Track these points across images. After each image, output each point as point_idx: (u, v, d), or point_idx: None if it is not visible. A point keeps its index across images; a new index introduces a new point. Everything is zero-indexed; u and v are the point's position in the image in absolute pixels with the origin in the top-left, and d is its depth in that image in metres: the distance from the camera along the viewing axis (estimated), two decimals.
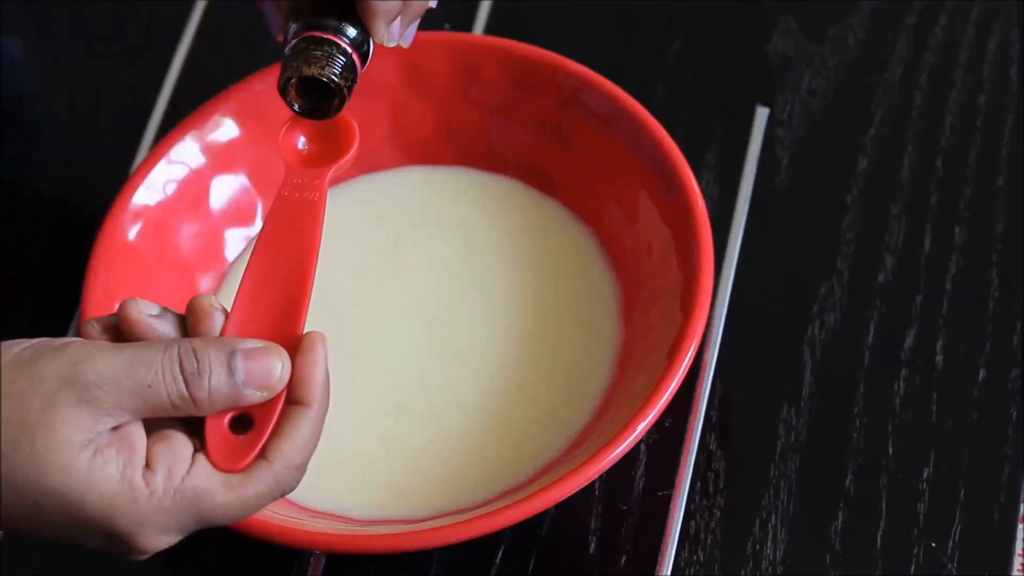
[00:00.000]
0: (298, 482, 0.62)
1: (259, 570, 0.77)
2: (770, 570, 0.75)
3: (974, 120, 0.86)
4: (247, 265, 0.64)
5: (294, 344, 0.63)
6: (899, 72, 0.88)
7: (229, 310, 0.63)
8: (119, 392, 0.59)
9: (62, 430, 0.58)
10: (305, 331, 0.63)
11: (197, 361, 0.60)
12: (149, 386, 0.59)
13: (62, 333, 0.83)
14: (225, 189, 0.82)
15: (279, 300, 0.64)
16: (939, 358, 0.80)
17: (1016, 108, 0.86)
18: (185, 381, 0.60)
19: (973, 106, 0.87)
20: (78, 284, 0.78)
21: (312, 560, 0.77)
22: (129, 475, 0.58)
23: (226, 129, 0.82)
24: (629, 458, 0.77)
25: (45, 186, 0.89)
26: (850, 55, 0.89)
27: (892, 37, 0.89)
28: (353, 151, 0.69)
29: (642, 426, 0.71)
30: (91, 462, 0.58)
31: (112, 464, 0.58)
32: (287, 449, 0.61)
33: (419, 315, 0.81)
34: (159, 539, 0.60)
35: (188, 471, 0.59)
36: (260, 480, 0.60)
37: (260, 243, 0.65)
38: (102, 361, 0.59)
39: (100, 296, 0.77)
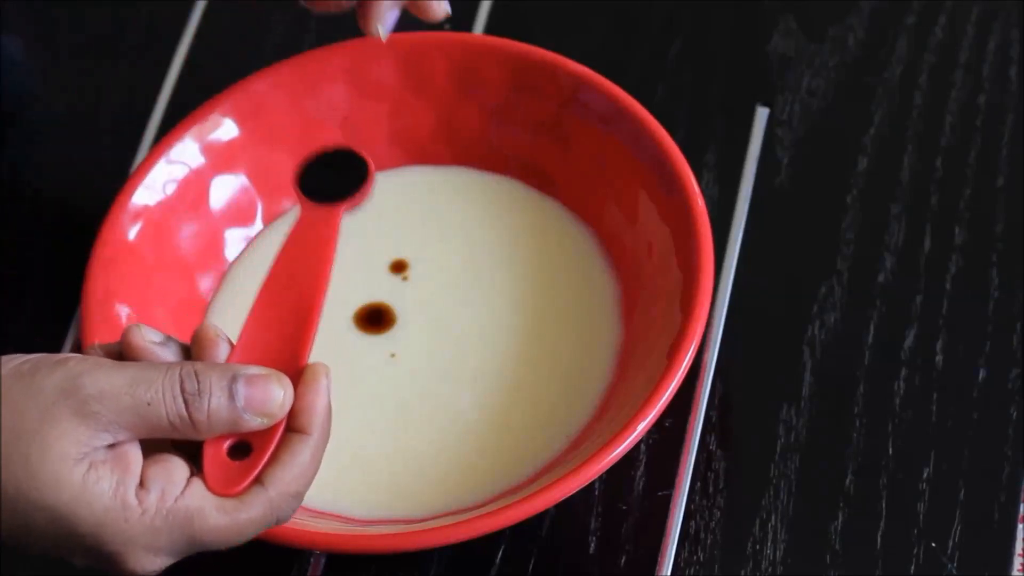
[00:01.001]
0: (294, 511, 0.61)
1: (259, 570, 0.76)
2: (770, 570, 0.75)
3: (974, 120, 0.86)
4: (257, 296, 0.64)
5: (298, 374, 0.62)
6: (899, 72, 0.88)
7: (235, 340, 0.63)
8: (118, 408, 0.58)
9: (58, 443, 0.57)
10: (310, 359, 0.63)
11: (198, 383, 0.59)
12: (148, 404, 0.58)
13: (62, 333, 0.83)
14: (225, 189, 0.82)
15: (286, 331, 0.63)
16: (939, 358, 0.80)
17: (1016, 108, 0.86)
18: (185, 401, 0.59)
19: (973, 106, 0.87)
20: (78, 284, 0.78)
21: (312, 560, 0.76)
22: (122, 492, 0.58)
23: (226, 129, 0.82)
24: (629, 458, 0.77)
25: (45, 186, 0.89)
26: (850, 55, 0.89)
27: (892, 37, 0.89)
28: (369, 190, 0.68)
29: (642, 426, 0.71)
30: (85, 477, 0.57)
31: (105, 480, 0.58)
32: (284, 476, 0.60)
33: (419, 315, 0.80)
34: (149, 560, 0.59)
35: (182, 492, 0.59)
36: (254, 506, 0.60)
37: (271, 275, 0.65)
38: (103, 376, 0.58)
39: (100, 296, 0.77)
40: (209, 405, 0.59)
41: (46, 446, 0.57)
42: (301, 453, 0.61)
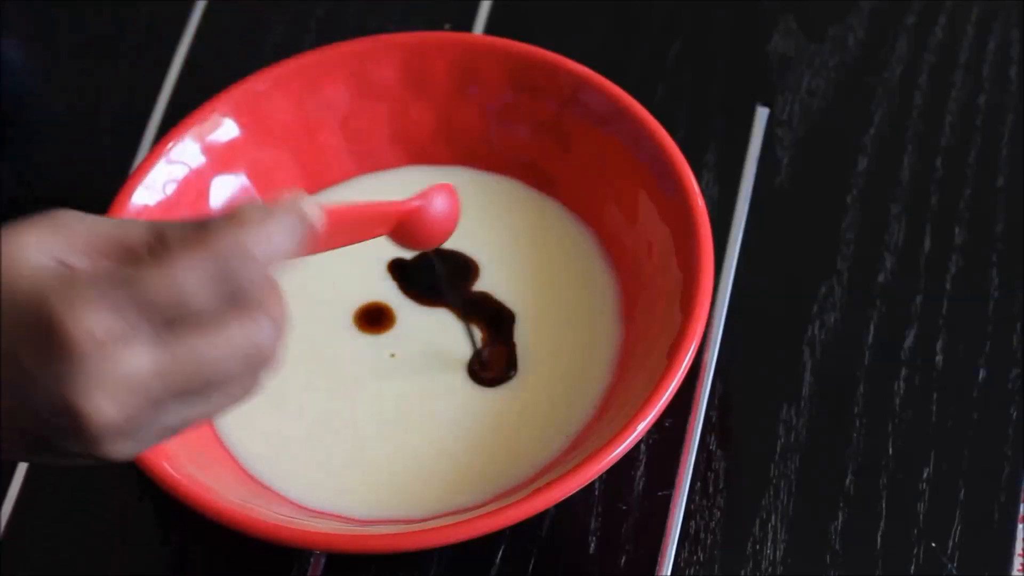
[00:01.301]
0: (246, 272, 0.54)
1: (259, 570, 0.77)
2: (770, 570, 0.75)
3: (974, 120, 0.86)
4: None
5: None
6: (899, 72, 0.88)
7: None
8: (95, 230, 0.55)
9: (23, 239, 0.54)
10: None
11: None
12: (126, 231, 0.55)
13: None
14: (225, 189, 0.82)
15: None
16: (939, 358, 0.80)
17: (1016, 108, 0.86)
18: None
19: (973, 106, 0.87)
20: None
21: (312, 560, 0.76)
22: (70, 261, 0.55)
23: (226, 129, 0.82)
24: (629, 458, 0.77)
25: (45, 186, 0.89)
26: (850, 55, 0.89)
27: (892, 37, 0.89)
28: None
29: (642, 426, 0.71)
30: (40, 258, 0.54)
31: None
32: (232, 225, 0.54)
33: (419, 315, 0.81)
34: (90, 312, 0.52)
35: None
36: (193, 248, 0.53)
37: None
38: (85, 215, 0.56)
39: None
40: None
41: (11, 239, 0.54)
42: (257, 211, 0.55)
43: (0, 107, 0.91)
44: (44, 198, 0.88)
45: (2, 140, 0.90)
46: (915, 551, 0.75)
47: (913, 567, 0.75)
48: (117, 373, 0.53)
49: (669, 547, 0.76)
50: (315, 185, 0.84)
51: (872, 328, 0.81)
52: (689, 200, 0.76)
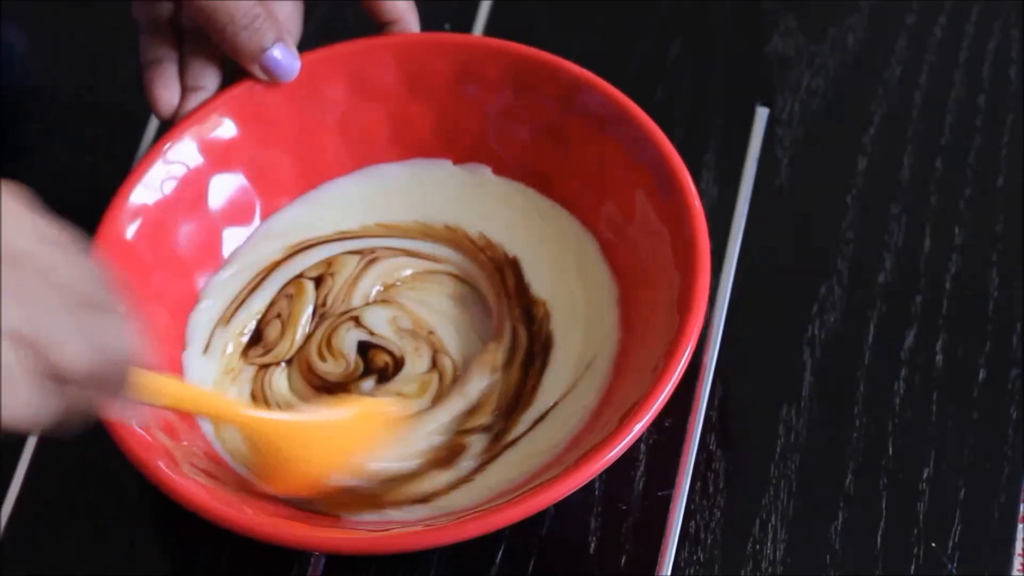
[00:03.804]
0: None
1: (259, 570, 0.77)
2: (770, 570, 0.75)
3: (974, 120, 0.86)
4: None
5: None
6: (899, 72, 0.88)
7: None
8: None
9: None
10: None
11: None
12: None
13: None
14: (223, 188, 0.82)
15: None
16: (939, 358, 0.80)
17: (1016, 108, 0.86)
18: None
19: (973, 106, 0.87)
20: None
21: (312, 560, 0.76)
22: None
23: (225, 128, 0.82)
24: (629, 458, 0.77)
25: (45, 186, 0.89)
26: (850, 55, 0.89)
27: (892, 37, 0.89)
28: None
29: (639, 426, 0.71)
30: None
31: None
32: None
33: (419, 315, 0.80)
34: None
35: None
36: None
37: None
38: None
39: None
40: None
41: None
42: None
43: (1, 100, 0.91)
44: (44, 198, 0.88)
45: (2, 140, 0.90)
46: (915, 551, 0.75)
47: (913, 567, 0.75)
48: None
49: (669, 547, 0.76)
50: (313, 185, 0.84)
51: (872, 328, 0.81)
52: (686, 201, 0.76)
